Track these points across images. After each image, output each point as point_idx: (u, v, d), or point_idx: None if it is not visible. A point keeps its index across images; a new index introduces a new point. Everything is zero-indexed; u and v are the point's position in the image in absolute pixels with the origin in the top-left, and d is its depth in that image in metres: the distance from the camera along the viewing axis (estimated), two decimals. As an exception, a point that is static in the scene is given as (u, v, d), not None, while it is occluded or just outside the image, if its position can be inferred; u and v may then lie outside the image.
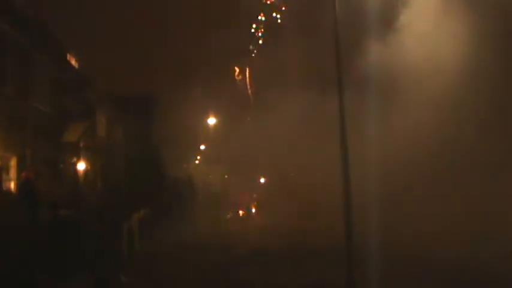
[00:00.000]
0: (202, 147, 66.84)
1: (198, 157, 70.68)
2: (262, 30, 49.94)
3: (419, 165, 23.83)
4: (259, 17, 48.39)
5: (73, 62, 36.71)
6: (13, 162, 24.65)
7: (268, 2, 48.29)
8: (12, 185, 23.86)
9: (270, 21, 49.20)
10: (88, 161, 34.28)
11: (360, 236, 14.34)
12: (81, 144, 33.81)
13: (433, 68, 24.13)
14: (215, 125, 57.92)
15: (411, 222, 21.68)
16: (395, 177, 23.66)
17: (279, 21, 48.95)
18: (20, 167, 24.20)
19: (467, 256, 16.54)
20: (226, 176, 58.81)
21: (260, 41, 50.49)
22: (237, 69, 53.59)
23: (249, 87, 53.29)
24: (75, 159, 32.72)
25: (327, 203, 23.18)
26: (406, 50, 24.92)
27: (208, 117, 57.10)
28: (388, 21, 26.16)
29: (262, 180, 46.72)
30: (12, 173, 24.44)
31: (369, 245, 16.04)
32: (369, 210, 18.85)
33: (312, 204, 29.52)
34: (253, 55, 52.80)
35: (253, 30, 50.84)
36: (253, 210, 41.54)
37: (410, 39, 24.96)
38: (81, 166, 33.03)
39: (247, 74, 52.92)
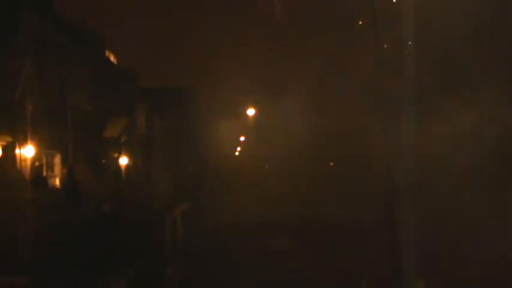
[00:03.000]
0: (242, 138, 66.94)
1: (238, 148, 70.87)
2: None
3: None
4: None
5: (112, 58, 37.24)
6: (57, 159, 25.16)
7: None
8: (57, 181, 24.34)
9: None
10: (129, 155, 34.73)
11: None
12: (122, 139, 34.27)
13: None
14: (255, 117, 57.84)
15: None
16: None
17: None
18: (64, 163, 24.68)
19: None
20: (266, 167, 58.97)
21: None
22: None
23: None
24: (116, 154, 33.20)
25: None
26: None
27: (247, 108, 57.01)
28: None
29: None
30: (57, 169, 24.95)
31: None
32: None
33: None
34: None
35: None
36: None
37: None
38: (123, 161, 33.49)
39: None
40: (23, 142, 20.78)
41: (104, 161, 30.55)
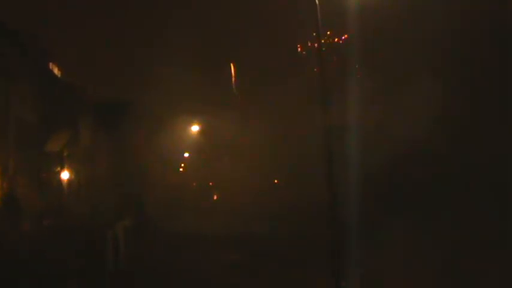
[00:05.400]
0: (186, 154, 66.78)
1: (182, 165, 70.63)
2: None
3: None
4: None
5: (56, 71, 36.79)
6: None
7: None
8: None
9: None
10: (71, 170, 34.29)
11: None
12: (65, 153, 33.83)
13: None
14: (199, 133, 57.94)
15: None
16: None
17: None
18: (3, 177, 24.21)
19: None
20: (210, 184, 58.94)
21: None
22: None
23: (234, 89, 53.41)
24: (58, 168, 32.75)
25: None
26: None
27: (192, 124, 57.04)
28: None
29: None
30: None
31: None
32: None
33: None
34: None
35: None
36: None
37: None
38: (65, 175, 33.05)
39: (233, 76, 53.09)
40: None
41: (45, 175, 30.11)
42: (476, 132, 23.72)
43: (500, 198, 20.95)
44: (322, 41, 15.27)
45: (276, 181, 47.14)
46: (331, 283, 12.74)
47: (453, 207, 21.69)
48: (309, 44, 33.03)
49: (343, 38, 29.65)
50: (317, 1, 13.98)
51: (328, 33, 29.37)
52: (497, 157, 22.17)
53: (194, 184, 59.90)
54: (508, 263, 15.71)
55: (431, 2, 24.53)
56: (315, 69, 14.40)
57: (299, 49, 34.45)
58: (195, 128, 56.73)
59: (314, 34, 14.69)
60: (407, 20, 25.38)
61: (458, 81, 24.51)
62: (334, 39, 30.53)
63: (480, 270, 15.79)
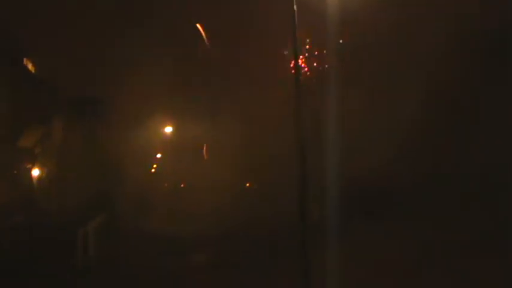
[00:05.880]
0: (158, 155, 66.50)
1: (154, 165, 70.33)
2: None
3: None
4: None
5: (30, 66, 36.51)
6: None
7: None
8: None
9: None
10: (43, 166, 34.03)
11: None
12: (37, 150, 33.59)
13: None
14: (172, 133, 57.70)
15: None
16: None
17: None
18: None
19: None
20: (181, 185, 58.77)
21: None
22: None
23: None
24: (30, 165, 32.50)
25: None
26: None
27: (166, 125, 56.79)
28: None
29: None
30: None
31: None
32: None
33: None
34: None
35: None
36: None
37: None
38: (36, 172, 32.80)
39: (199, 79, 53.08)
40: None
41: (16, 171, 29.86)
42: (455, 135, 24.22)
43: (481, 200, 21.43)
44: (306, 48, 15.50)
45: (247, 184, 47.31)
46: (301, 283, 12.91)
47: (431, 209, 22.13)
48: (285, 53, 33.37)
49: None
50: (295, 7, 14.18)
51: (308, 40, 29.70)
52: (476, 160, 22.67)
53: (166, 185, 59.66)
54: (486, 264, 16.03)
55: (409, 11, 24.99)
56: (292, 72, 14.59)
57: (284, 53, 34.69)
58: (168, 129, 56.50)
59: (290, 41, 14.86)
60: (386, 26, 25.81)
61: (436, 86, 25.00)
62: (313, 46, 30.88)
63: (457, 271, 16.09)
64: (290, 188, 16.54)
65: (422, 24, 25.28)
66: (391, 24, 25.83)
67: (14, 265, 17.41)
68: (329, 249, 16.37)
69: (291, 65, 15.13)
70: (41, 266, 18.19)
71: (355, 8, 23.93)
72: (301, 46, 15.31)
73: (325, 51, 28.21)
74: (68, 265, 19.42)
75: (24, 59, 34.82)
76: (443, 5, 24.83)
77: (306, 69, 28.27)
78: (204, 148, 48.59)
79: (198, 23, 44.93)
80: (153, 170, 68.51)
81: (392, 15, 25.53)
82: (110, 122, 50.11)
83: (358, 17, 25.86)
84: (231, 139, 42.77)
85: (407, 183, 24.33)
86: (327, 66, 26.61)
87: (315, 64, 29.94)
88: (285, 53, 30.89)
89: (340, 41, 26.72)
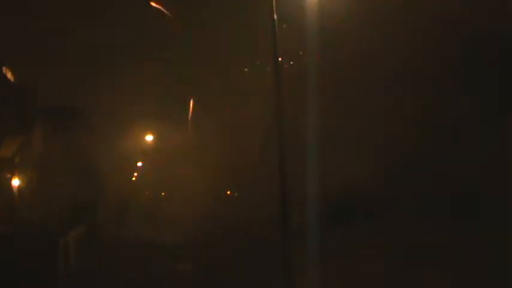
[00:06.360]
0: (139, 164, 66.33)
1: (135, 173, 70.13)
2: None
3: None
4: None
5: (9, 75, 36.31)
6: None
7: None
8: None
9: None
10: (23, 176, 33.80)
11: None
12: (16, 159, 33.37)
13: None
14: (153, 141, 57.59)
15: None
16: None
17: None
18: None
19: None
20: (162, 194, 58.70)
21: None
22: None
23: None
24: (9, 174, 32.26)
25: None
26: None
27: (146, 134, 56.68)
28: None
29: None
30: None
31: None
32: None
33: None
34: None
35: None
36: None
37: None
38: (16, 182, 32.56)
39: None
40: None
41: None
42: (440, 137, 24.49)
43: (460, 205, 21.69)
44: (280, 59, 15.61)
45: (228, 192, 47.36)
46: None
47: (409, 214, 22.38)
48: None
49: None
50: (275, 17, 14.32)
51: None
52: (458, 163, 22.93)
53: (147, 193, 59.56)
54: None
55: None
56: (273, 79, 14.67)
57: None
58: (149, 138, 56.41)
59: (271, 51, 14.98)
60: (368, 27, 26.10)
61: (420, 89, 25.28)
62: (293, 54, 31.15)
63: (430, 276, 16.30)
64: (271, 196, 16.66)
65: (406, 30, 25.53)
66: (373, 31, 26.09)
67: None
68: (312, 256, 16.48)
69: (272, 72, 15.15)
70: (23, 275, 18.12)
71: (337, 16, 24.22)
72: (282, 55, 15.32)
73: (306, 59, 28.47)
74: (49, 274, 19.35)
75: (4, 68, 34.64)
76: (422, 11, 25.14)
77: (287, 75, 28.51)
78: (184, 155, 48.53)
79: (175, 26, 44.91)
80: (133, 179, 68.37)
81: (374, 21, 25.80)
82: (91, 131, 49.98)
83: (340, 24, 26.14)
84: (212, 146, 42.90)
85: (391, 189, 24.54)
86: (308, 73, 26.79)
87: (296, 71, 30.18)
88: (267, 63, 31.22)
89: (321, 49, 26.97)
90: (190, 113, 46.66)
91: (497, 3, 23.24)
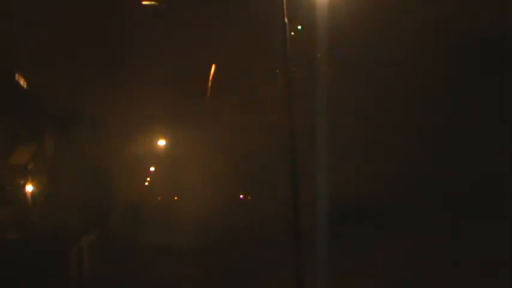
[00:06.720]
0: (152, 169, 66.47)
1: (148, 179, 70.27)
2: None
3: None
4: None
5: (22, 83, 36.51)
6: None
7: None
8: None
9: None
10: (36, 183, 33.96)
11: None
12: (30, 167, 33.53)
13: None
14: (166, 147, 57.70)
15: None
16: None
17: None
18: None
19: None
20: (175, 198, 58.70)
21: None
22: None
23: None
24: (23, 181, 32.42)
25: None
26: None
27: (159, 139, 56.82)
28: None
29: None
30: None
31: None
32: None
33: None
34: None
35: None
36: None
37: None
38: (30, 188, 32.73)
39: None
40: None
41: (9, 188, 29.79)
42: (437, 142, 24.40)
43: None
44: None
45: (241, 196, 47.33)
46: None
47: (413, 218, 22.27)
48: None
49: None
50: (286, 20, 14.26)
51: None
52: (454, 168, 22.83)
53: (159, 198, 59.64)
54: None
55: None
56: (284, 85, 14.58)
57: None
58: (161, 142, 56.50)
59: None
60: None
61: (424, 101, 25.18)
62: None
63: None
64: (282, 200, 16.61)
65: (419, 31, 25.41)
66: (383, 34, 26.03)
67: (8, 282, 17.34)
68: (321, 260, 16.38)
69: (283, 80, 15.05)
70: (36, 282, 18.14)
71: (348, 19, 24.17)
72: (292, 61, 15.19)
73: (317, 66, 28.43)
74: (62, 281, 19.38)
75: (17, 75, 34.86)
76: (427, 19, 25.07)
77: (297, 83, 28.43)
78: (196, 161, 48.58)
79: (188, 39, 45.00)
80: (146, 184, 68.53)
81: (385, 26, 25.76)
82: (102, 138, 50.14)
83: (350, 29, 26.09)
84: (223, 151, 42.91)
85: (399, 194, 24.43)
86: (318, 76, 26.73)
87: (306, 75, 30.14)
88: (277, 71, 31.14)
89: (332, 52, 26.93)
90: (201, 118, 46.67)
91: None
